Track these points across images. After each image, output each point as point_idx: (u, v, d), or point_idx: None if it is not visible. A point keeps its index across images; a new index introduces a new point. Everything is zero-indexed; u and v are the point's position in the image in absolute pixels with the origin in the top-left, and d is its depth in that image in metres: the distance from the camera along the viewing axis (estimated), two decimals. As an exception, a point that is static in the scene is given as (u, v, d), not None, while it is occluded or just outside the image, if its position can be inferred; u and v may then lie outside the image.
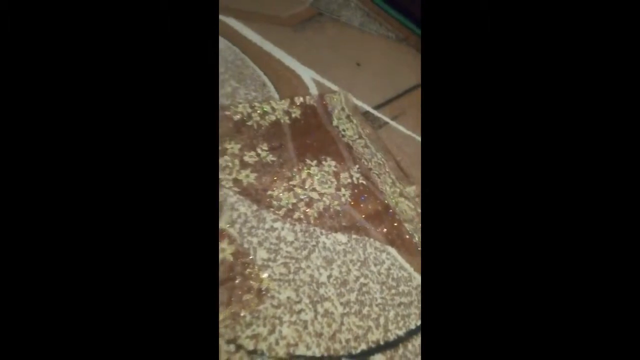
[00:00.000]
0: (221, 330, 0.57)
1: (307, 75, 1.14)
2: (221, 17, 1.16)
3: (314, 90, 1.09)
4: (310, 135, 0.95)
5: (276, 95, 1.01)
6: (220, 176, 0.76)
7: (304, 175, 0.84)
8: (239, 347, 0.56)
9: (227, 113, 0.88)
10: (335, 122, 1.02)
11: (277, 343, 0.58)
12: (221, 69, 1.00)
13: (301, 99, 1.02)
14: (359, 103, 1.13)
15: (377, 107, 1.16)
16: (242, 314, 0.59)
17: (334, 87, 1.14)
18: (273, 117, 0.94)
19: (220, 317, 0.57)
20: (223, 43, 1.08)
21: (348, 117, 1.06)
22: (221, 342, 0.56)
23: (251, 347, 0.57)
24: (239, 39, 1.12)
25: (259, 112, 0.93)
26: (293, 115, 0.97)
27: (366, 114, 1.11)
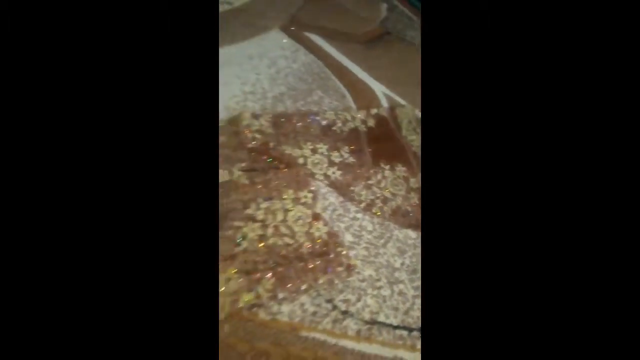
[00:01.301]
0: (321, 291, 0.71)
1: (379, 89, 1.28)
2: (308, 34, 1.33)
3: (384, 103, 1.22)
4: (383, 142, 1.08)
5: (353, 106, 1.16)
6: (314, 170, 0.91)
7: (379, 176, 0.98)
8: (335, 307, 0.70)
9: (317, 118, 1.04)
10: (404, 132, 1.14)
11: (363, 309, 0.72)
12: (309, 80, 1.17)
13: (375, 110, 1.16)
14: (424, 117, 1.25)
15: (439, 122, 1.27)
16: (335, 282, 0.73)
17: (402, 101, 1.26)
18: (352, 125, 1.08)
19: (320, 281, 0.72)
20: (309, 57, 1.25)
21: (414, 129, 1.18)
22: (321, 300, 0.70)
23: (343, 309, 0.70)
24: (323, 55, 1.29)
25: (341, 119, 1.08)
26: (368, 124, 1.11)
27: (430, 127, 1.23)
